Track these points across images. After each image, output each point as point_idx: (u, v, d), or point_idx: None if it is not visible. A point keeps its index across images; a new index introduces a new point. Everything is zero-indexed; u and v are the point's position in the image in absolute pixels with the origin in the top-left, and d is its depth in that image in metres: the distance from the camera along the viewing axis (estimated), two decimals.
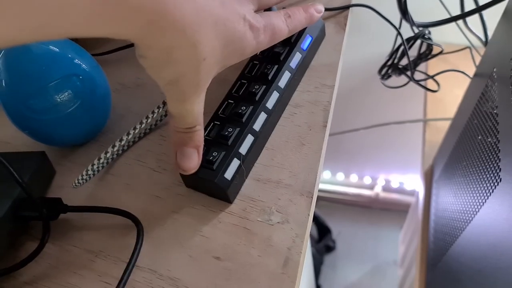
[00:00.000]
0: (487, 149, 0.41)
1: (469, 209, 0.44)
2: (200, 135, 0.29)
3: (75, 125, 0.35)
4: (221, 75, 0.28)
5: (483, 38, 0.53)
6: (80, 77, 0.33)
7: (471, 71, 0.54)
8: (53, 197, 0.32)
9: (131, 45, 0.45)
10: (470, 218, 0.43)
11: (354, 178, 1.40)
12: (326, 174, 1.42)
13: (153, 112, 0.35)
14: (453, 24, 0.48)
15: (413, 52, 0.55)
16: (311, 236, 1.33)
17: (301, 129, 0.35)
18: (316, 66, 0.39)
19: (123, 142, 0.35)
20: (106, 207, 0.32)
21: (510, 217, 0.32)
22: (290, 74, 0.35)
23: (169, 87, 0.25)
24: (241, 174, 0.31)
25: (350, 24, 0.42)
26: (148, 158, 0.36)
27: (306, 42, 0.37)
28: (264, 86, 0.34)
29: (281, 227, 0.29)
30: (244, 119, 0.32)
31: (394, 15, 0.45)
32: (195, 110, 0.27)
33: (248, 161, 0.32)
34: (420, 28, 0.50)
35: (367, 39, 0.91)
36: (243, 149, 0.31)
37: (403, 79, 0.62)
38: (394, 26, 0.44)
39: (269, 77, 0.34)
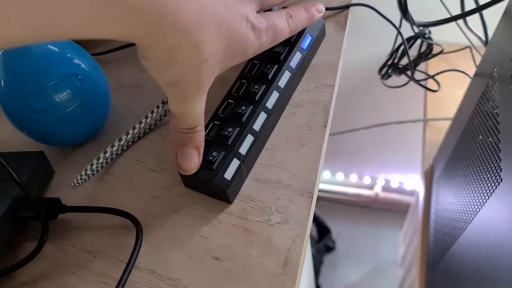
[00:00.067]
0: (487, 149, 0.40)
1: (469, 209, 0.44)
2: (200, 136, 0.29)
3: (74, 125, 0.35)
4: (221, 75, 0.28)
5: (484, 38, 0.53)
6: (79, 77, 0.33)
7: (472, 70, 0.54)
8: (52, 197, 0.32)
9: (131, 44, 0.45)
10: (471, 218, 0.43)
11: (354, 178, 1.40)
12: (326, 174, 1.42)
13: (152, 112, 0.35)
14: (453, 23, 0.48)
15: (413, 52, 0.55)
16: (311, 236, 1.33)
17: (301, 129, 0.34)
18: (316, 66, 0.39)
19: (122, 142, 0.34)
20: (104, 207, 0.32)
21: (510, 217, 0.32)
22: (290, 73, 0.35)
23: (170, 87, 0.25)
24: (241, 174, 0.31)
25: (350, 23, 0.42)
26: (148, 158, 0.36)
27: (306, 42, 0.37)
28: (264, 86, 0.33)
29: (281, 227, 0.29)
30: (244, 119, 0.32)
31: (394, 14, 0.45)
32: (196, 110, 0.27)
33: (248, 161, 0.32)
34: (420, 28, 0.50)
35: (367, 39, 0.91)
36: (243, 149, 0.31)
37: (403, 78, 0.62)
38: (394, 26, 0.44)
39: (269, 77, 0.34)
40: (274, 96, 0.34)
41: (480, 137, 0.44)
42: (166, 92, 0.26)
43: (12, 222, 0.31)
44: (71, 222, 0.33)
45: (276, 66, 0.34)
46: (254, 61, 0.36)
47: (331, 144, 0.63)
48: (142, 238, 0.30)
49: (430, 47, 0.56)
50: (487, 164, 0.40)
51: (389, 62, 0.61)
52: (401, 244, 1.07)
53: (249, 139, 0.32)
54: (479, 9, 0.44)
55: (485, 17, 0.51)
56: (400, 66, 0.60)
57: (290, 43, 0.36)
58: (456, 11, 0.49)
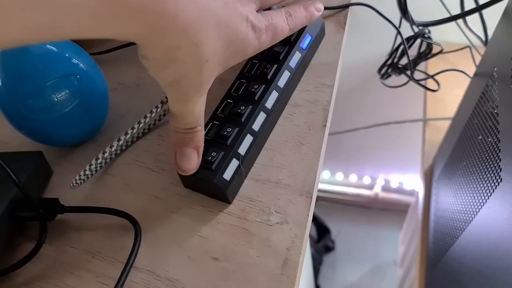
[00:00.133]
0: (487, 149, 0.40)
1: (469, 209, 0.44)
2: (200, 136, 0.29)
3: (72, 125, 0.34)
4: (220, 75, 0.28)
5: (483, 38, 0.53)
6: (78, 76, 0.33)
7: (471, 70, 0.54)
8: (50, 197, 0.32)
9: (130, 44, 0.45)
10: (471, 218, 0.43)
11: (353, 178, 1.40)
12: (325, 174, 1.42)
13: (151, 112, 0.35)
14: (453, 23, 0.48)
15: (413, 52, 0.55)
16: (310, 236, 1.33)
17: (301, 129, 0.34)
18: (316, 66, 0.38)
19: (121, 142, 0.34)
20: (103, 208, 0.31)
21: (510, 217, 0.32)
22: (289, 73, 0.35)
23: (171, 87, 0.25)
24: (240, 174, 0.31)
25: (350, 23, 0.42)
26: (147, 158, 0.35)
27: (305, 41, 0.36)
28: (263, 86, 0.33)
29: (280, 227, 0.29)
30: (243, 119, 0.32)
31: (394, 14, 0.45)
32: (196, 110, 0.27)
33: (247, 161, 0.32)
34: (420, 27, 0.50)
35: (366, 38, 0.91)
36: (242, 149, 0.31)
37: (403, 78, 0.62)
38: (394, 25, 0.44)
39: (269, 77, 0.34)
40: (273, 96, 0.34)
41: (479, 137, 0.44)
42: (166, 92, 0.26)
43: (11, 223, 0.30)
44: (69, 222, 0.33)
45: (275, 66, 0.34)
46: (254, 61, 0.36)
47: (331, 144, 0.63)
48: (140, 238, 0.30)
49: (429, 46, 0.56)
50: (486, 164, 0.40)
51: (389, 62, 0.61)
52: (401, 244, 1.07)
53: (248, 139, 0.32)
54: (478, 8, 0.44)
55: (485, 17, 0.51)
56: (399, 66, 0.60)
57: (290, 43, 0.36)
58: (456, 10, 0.48)
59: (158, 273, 0.28)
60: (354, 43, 0.72)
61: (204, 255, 0.29)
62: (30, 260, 0.30)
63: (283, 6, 0.33)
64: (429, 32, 0.52)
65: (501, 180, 0.35)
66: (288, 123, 0.35)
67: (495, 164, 0.37)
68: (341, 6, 0.42)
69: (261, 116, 0.33)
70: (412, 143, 1.00)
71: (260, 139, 0.33)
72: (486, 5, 0.42)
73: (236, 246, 0.29)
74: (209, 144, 0.31)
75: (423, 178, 0.74)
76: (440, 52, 0.55)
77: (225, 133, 0.31)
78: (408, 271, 0.86)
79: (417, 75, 0.59)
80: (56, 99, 0.32)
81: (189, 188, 0.33)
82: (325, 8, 0.41)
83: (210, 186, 0.30)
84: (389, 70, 0.62)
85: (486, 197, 0.38)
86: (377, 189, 1.38)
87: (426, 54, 0.57)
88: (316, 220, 1.40)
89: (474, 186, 0.43)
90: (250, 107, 0.32)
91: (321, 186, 1.44)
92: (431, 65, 0.82)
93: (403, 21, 0.48)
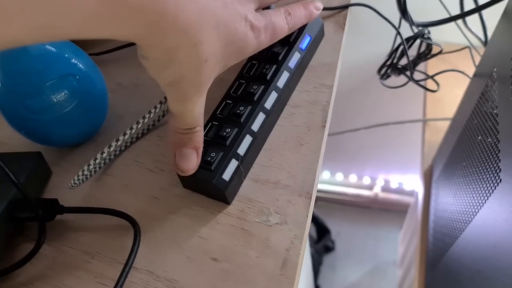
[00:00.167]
0: (487, 149, 0.40)
1: (468, 209, 0.44)
2: (199, 136, 0.29)
3: (71, 125, 0.34)
4: (219, 75, 0.28)
5: (483, 38, 0.53)
6: (77, 77, 0.33)
7: (471, 71, 0.54)
8: (49, 198, 0.32)
9: (129, 44, 0.45)
10: (470, 219, 0.43)
11: (353, 178, 1.40)
12: (325, 174, 1.42)
13: (150, 112, 0.35)
14: (452, 23, 0.48)
15: (412, 52, 0.55)
16: (310, 236, 1.33)
17: (300, 129, 0.34)
18: (315, 66, 0.38)
19: (119, 143, 0.34)
20: (102, 208, 0.31)
21: (510, 218, 0.32)
22: (288, 74, 0.35)
23: (170, 87, 0.25)
24: (239, 175, 0.31)
25: (349, 23, 0.42)
26: (146, 159, 0.35)
27: (305, 42, 0.36)
28: (262, 86, 0.33)
29: (279, 228, 0.29)
30: (242, 120, 0.32)
31: (394, 14, 0.45)
32: (195, 111, 0.27)
33: (246, 162, 0.32)
34: (420, 28, 0.50)
35: (366, 39, 0.91)
36: (241, 150, 0.31)
37: (402, 79, 0.62)
38: (394, 26, 0.44)
39: (268, 77, 0.34)
40: (272, 97, 0.34)
41: (479, 137, 0.44)
42: (165, 92, 0.26)
43: (10, 223, 0.30)
44: (68, 223, 0.33)
45: (274, 66, 0.34)
46: (253, 61, 0.36)
47: (330, 144, 0.63)
48: (140, 239, 0.30)
49: (429, 47, 0.56)
50: (486, 164, 0.40)
51: (388, 62, 0.61)
52: (401, 244, 1.07)
53: (247, 139, 0.32)
54: (478, 9, 0.43)
55: (485, 17, 0.51)
56: (399, 66, 0.60)
57: (289, 43, 0.36)
58: (456, 11, 0.48)
59: (158, 274, 0.28)
60: (353, 43, 0.72)
61: (203, 256, 0.29)
62: (29, 260, 0.30)
63: (283, 5, 0.33)
64: (429, 32, 0.52)
65: (500, 181, 0.35)
66: (287, 123, 0.35)
67: (495, 165, 0.37)
68: (340, 7, 0.42)
69: (260, 117, 0.33)
70: (411, 143, 1.00)
71: (259, 139, 0.33)
72: (485, 6, 0.42)
73: (235, 246, 0.29)
74: (208, 145, 0.31)
75: (423, 179, 0.74)
76: (440, 52, 0.55)
77: (224, 133, 0.31)
78: (408, 271, 0.86)
79: (417, 76, 0.59)
80: (55, 99, 0.32)
81: (188, 188, 0.33)
82: (325, 9, 0.41)
83: (209, 187, 0.30)
84: (389, 71, 0.62)
85: (486, 198, 0.38)
86: (377, 189, 1.38)
87: (425, 55, 0.57)
88: (316, 220, 1.40)
89: (474, 186, 0.43)
90: (249, 107, 0.32)
91: (321, 186, 1.44)
92: (431, 66, 0.82)
93: (403, 21, 0.48)
